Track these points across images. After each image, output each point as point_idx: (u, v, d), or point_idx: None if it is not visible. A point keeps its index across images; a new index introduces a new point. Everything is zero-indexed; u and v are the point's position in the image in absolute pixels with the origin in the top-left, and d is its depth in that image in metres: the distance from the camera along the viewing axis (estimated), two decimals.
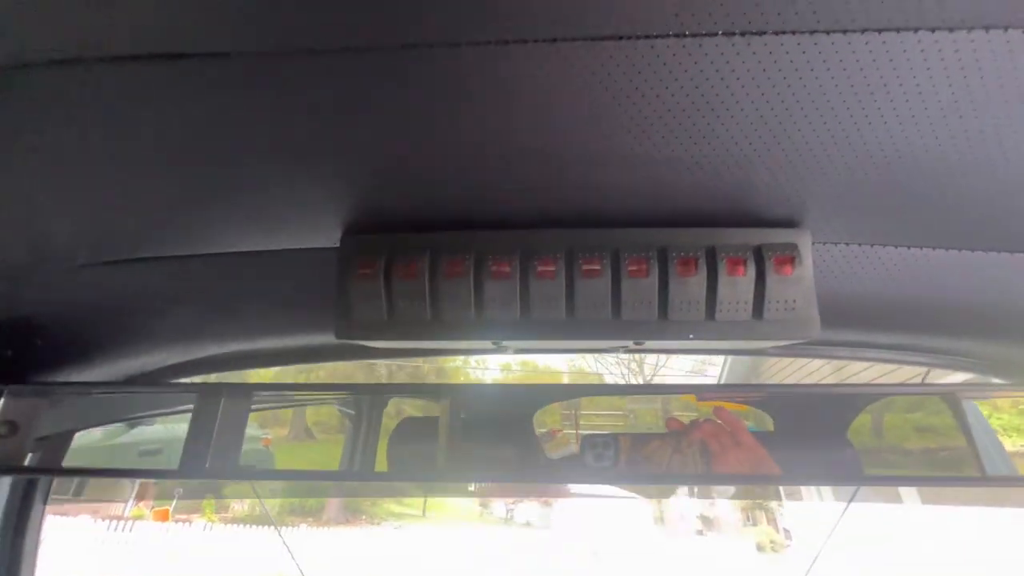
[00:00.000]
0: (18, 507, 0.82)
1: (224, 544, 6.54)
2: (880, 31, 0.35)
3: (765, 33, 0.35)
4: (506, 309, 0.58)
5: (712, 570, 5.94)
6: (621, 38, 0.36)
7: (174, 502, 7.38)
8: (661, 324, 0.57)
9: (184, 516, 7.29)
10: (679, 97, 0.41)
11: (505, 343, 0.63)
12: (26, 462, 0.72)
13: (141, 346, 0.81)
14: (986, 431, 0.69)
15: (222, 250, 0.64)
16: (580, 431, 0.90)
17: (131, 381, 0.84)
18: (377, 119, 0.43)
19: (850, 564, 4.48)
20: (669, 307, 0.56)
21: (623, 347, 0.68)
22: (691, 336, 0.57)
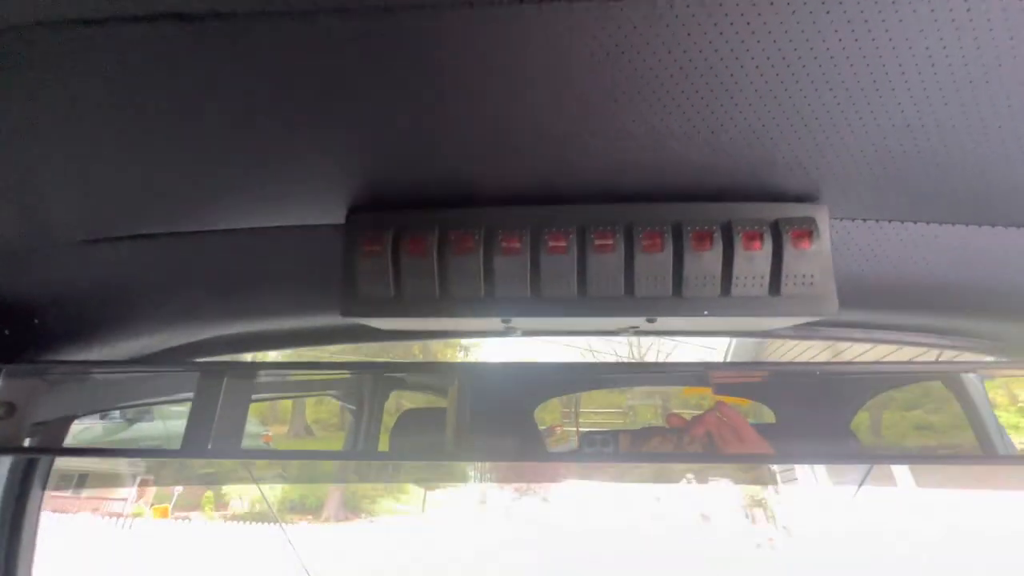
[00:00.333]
0: (17, 491, 0.81)
1: (225, 541, 6.54)
2: None
3: None
4: (516, 286, 0.56)
5: (711, 565, 5.95)
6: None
7: (174, 499, 7.38)
8: (675, 301, 0.56)
9: (183, 513, 7.29)
10: (692, 68, 0.40)
11: (515, 321, 0.62)
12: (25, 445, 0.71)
13: (142, 327, 0.79)
14: (992, 414, 0.68)
15: (225, 227, 0.63)
16: (580, 428, 0.89)
17: (131, 363, 0.83)
18: (384, 89, 0.42)
19: (848, 556, 4.49)
20: (684, 283, 0.55)
21: (634, 328, 0.66)
22: (706, 312, 0.56)
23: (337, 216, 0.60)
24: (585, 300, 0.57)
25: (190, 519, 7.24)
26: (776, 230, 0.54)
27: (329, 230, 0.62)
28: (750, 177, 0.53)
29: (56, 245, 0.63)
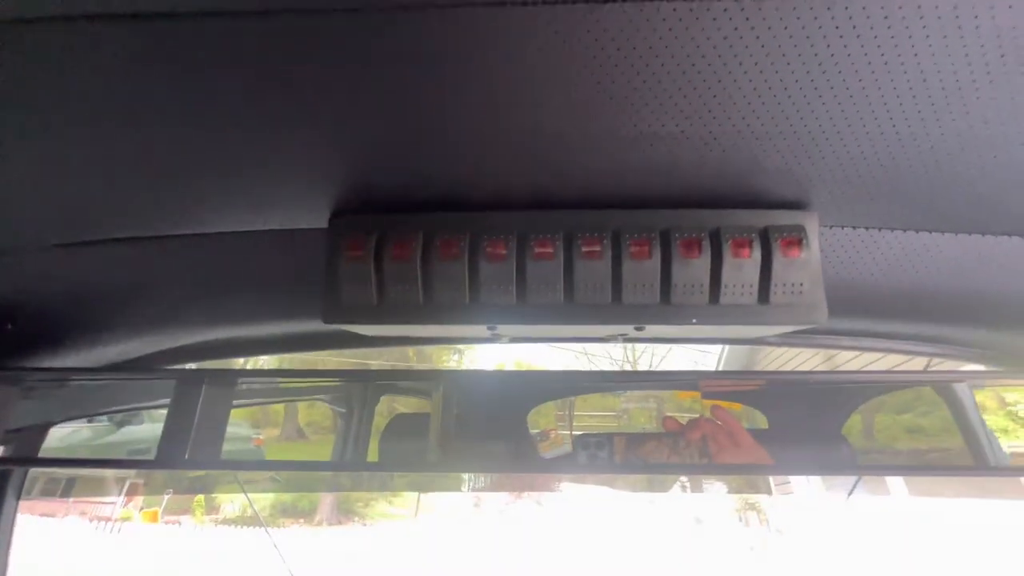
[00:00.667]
0: None
1: (214, 545, 6.47)
2: None
3: None
4: (502, 292, 0.55)
5: (704, 568, 5.95)
6: (624, 0, 0.34)
7: (164, 503, 7.30)
8: (663, 308, 0.55)
9: (173, 518, 7.21)
10: (683, 70, 0.39)
11: (500, 329, 0.61)
12: None
13: (118, 332, 0.78)
14: (982, 422, 0.68)
15: (204, 230, 0.61)
16: (574, 431, 0.88)
17: (108, 369, 0.81)
18: (367, 91, 0.41)
19: (841, 559, 4.51)
20: (672, 290, 0.54)
21: (622, 335, 0.65)
22: (694, 320, 0.55)
23: (320, 220, 0.59)
24: (572, 307, 0.56)
25: (180, 523, 7.16)
26: (765, 238, 0.54)
27: (311, 234, 0.61)
28: (739, 183, 0.53)
29: (29, 249, 0.62)
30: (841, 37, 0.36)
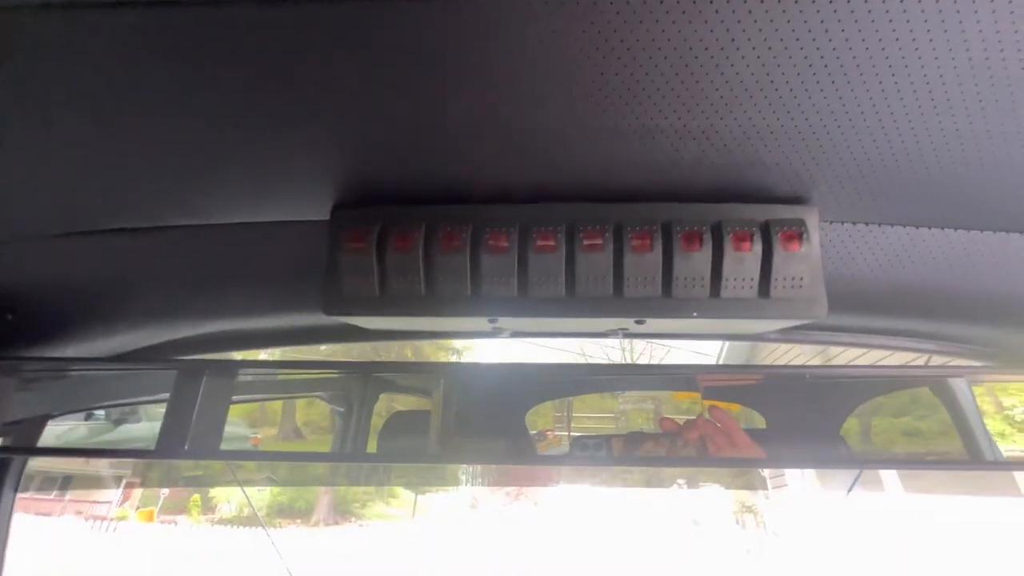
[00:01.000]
0: None
1: (211, 545, 6.44)
2: None
3: None
4: (503, 285, 0.55)
5: (701, 570, 5.95)
6: None
7: (160, 502, 7.28)
8: (664, 302, 0.55)
9: (169, 517, 7.18)
10: (685, 63, 0.39)
11: (502, 322, 0.61)
12: None
13: (118, 324, 0.77)
14: (979, 418, 0.68)
15: (206, 221, 0.61)
16: (572, 433, 0.88)
17: (107, 360, 0.80)
18: (370, 83, 0.41)
19: (837, 560, 4.51)
20: (673, 283, 0.54)
21: (623, 329, 0.66)
22: (695, 314, 0.55)
23: (322, 212, 0.59)
24: (573, 300, 0.56)
25: (176, 523, 7.13)
26: (766, 231, 0.54)
27: (314, 226, 0.61)
28: (740, 177, 0.53)
29: (30, 239, 0.62)
30: (842, 31, 0.37)
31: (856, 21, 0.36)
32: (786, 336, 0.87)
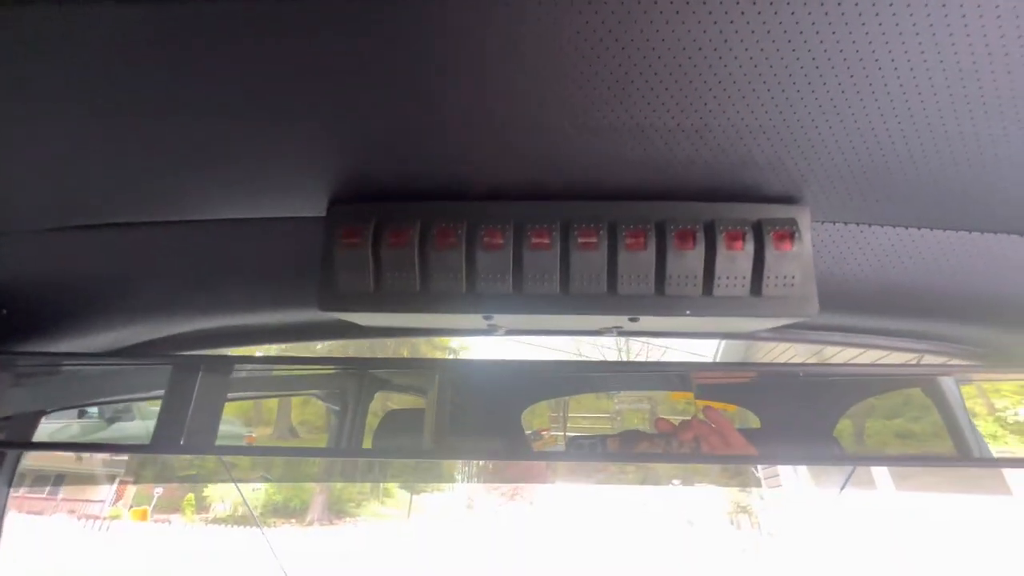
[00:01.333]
0: None
1: (206, 545, 6.41)
2: None
3: None
4: (498, 281, 0.56)
5: (697, 570, 5.97)
6: None
7: (154, 501, 7.23)
8: (657, 299, 0.56)
9: (163, 516, 7.14)
10: (679, 62, 0.40)
11: (497, 319, 0.61)
12: None
13: (114, 319, 0.77)
14: (967, 416, 0.69)
15: (202, 217, 0.61)
16: (568, 433, 0.89)
17: (102, 355, 0.80)
18: (367, 79, 0.41)
19: (831, 559, 4.53)
20: (666, 281, 0.55)
21: (617, 327, 0.66)
22: (688, 312, 0.56)
23: (318, 208, 0.59)
24: (568, 297, 0.57)
25: (170, 522, 7.09)
26: (758, 230, 0.54)
27: (309, 222, 0.61)
28: (733, 176, 0.53)
29: (24, 233, 0.61)
30: (834, 33, 0.37)
31: (847, 23, 0.36)
32: (778, 335, 0.87)
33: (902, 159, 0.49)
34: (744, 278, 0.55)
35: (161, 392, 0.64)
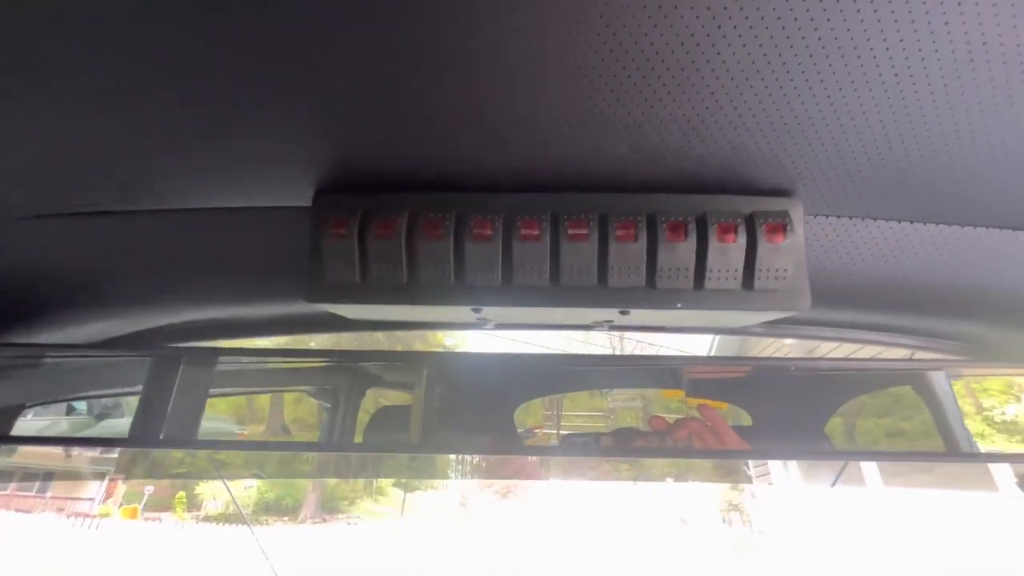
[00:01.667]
0: None
1: (197, 543, 6.37)
2: None
3: None
4: (487, 273, 0.55)
5: (689, 568, 6.01)
6: None
7: (144, 499, 7.19)
8: (648, 292, 0.55)
9: (154, 514, 7.10)
10: (671, 49, 0.39)
11: (485, 312, 0.60)
12: None
13: (92, 312, 0.75)
14: (958, 411, 0.69)
15: (184, 205, 0.60)
16: (561, 431, 0.88)
17: (82, 347, 0.78)
18: (353, 66, 0.40)
19: (821, 554, 4.59)
20: (657, 274, 0.54)
21: (608, 321, 0.65)
22: (679, 305, 0.55)
23: (304, 198, 0.58)
24: (557, 290, 0.56)
25: (161, 520, 7.04)
26: (750, 223, 0.54)
27: (296, 212, 0.60)
28: (726, 168, 0.53)
29: (0, 220, 0.60)
30: (828, 20, 0.36)
31: (842, 11, 0.36)
32: (770, 330, 0.87)
33: (896, 152, 0.49)
34: (736, 271, 0.54)
35: (142, 386, 0.63)
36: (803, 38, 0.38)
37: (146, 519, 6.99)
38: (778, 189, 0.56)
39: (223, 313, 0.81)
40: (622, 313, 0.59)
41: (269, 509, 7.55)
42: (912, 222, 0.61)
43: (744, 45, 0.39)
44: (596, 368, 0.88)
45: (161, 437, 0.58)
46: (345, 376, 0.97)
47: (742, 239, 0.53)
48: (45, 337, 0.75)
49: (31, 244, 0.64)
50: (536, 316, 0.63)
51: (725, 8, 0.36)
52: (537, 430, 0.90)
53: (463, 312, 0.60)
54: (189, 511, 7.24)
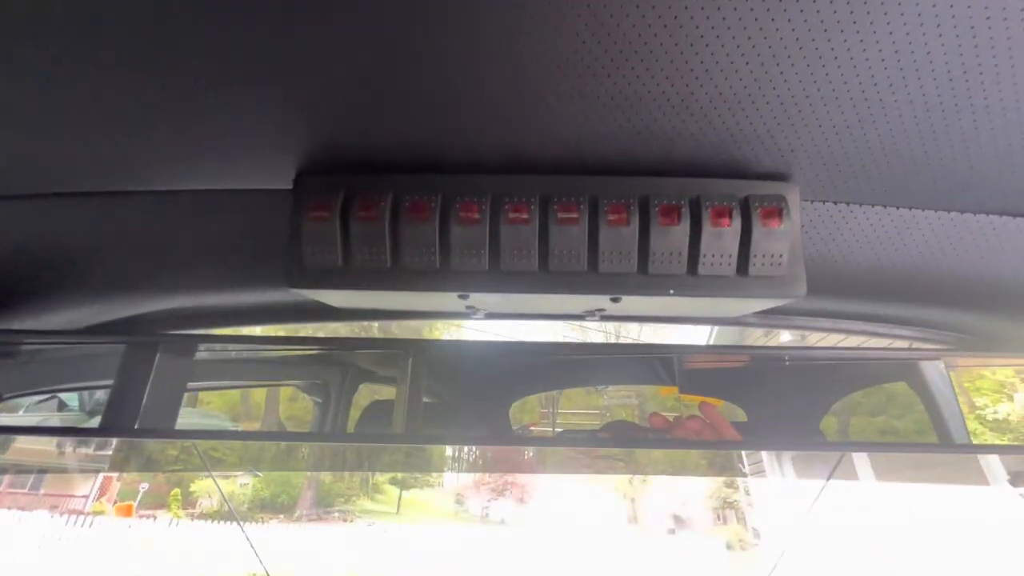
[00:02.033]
0: None
1: (190, 540, 6.36)
2: None
3: None
4: (474, 258, 0.53)
5: (684, 565, 6.04)
6: None
7: (139, 497, 7.17)
8: (640, 278, 0.54)
9: (148, 512, 7.08)
10: (664, 22, 0.37)
11: (473, 299, 0.58)
12: None
13: (65, 298, 0.73)
14: (956, 405, 0.68)
15: (160, 187, 0.58)
16: (556, 428, 0.87)
17: (54, 334, 0.75)
18: (333, 41, 0.39)
19: (815, 552, 4.63)
20: (650, 259, 0.53)
21: (600, 310, 0.64)
22: (672, 292, 0.54)
23: (285, 180, 0.56)
24: (546, 275, 0.54)
25: (155, 517, 7.03)
26: (745, 207, 0.52)
27: (278, 195, 0.58)
28: (721, 151, 0.51)
29: None
30: (830, 2, 0.35)
31: None
32: (765, 320, 0.86)
33: (894, 136, 0.48)
34: (730, 256, 0.53)
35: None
36: (801, 10, 0.36)
37: (141, 516, 6.97)
38: (774, 173, 0.54)
39: (206, 301, 0.79)
40: (613, 300, 0.57)
41: (264, 507, 7.53)
42: (910, 208, 0.59)
43: (740, 18, 0.37)
44: (592, 357, 0.87)
45: (136, 426, 0.56)
46: (334, 365, 0.95)
47: (737, 223, 0.52)
48: (18, 324, 0.72)
49: (2, 226, 0.61)
50: (526, 305, 0.62)
51: None
52: (533, 427, 0.88)
53: (451, 300, 0.59)
54: (184, 508, 7.23)
